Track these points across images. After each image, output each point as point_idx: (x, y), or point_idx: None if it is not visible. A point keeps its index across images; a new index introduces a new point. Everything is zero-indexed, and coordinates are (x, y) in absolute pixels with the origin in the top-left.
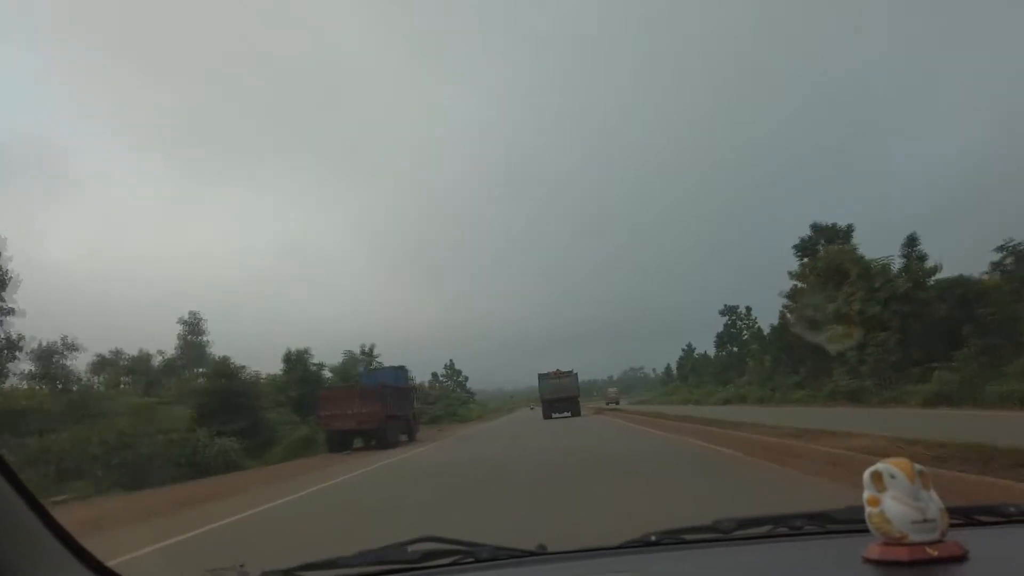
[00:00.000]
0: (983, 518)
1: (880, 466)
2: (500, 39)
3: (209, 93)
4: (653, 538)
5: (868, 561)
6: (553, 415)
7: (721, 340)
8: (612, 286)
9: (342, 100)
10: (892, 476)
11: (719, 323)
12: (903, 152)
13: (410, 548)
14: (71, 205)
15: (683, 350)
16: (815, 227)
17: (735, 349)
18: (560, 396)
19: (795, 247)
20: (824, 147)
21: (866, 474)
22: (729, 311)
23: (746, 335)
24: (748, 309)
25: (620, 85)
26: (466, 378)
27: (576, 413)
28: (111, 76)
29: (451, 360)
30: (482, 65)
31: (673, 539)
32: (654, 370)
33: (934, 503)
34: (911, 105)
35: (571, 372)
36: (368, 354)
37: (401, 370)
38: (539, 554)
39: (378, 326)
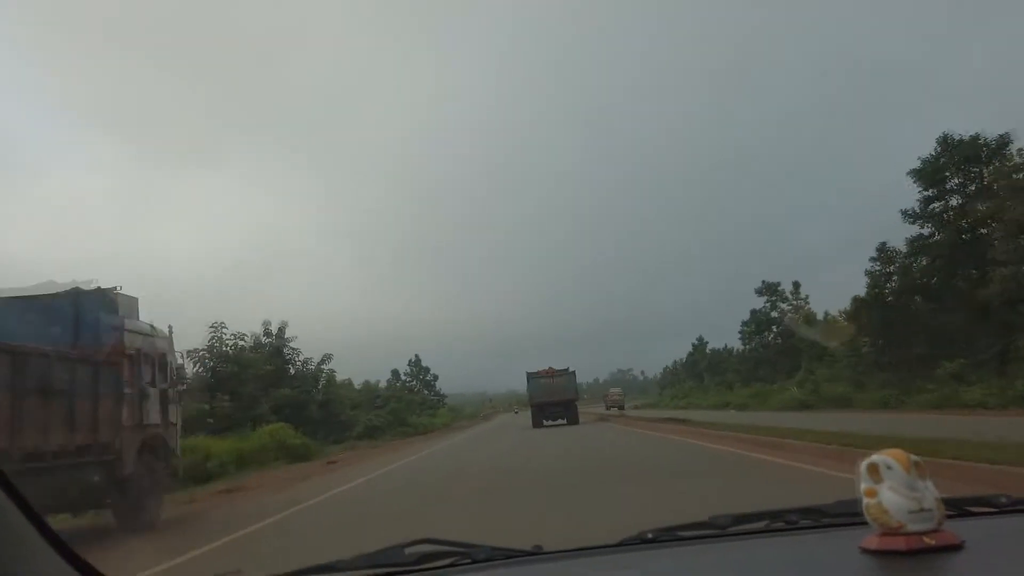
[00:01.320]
0: (976, 509)
1: (876, 458)
2: (495, 27)
3: (173, 73)
4: (650, 535)
5: (866, 551)
6: (545, 422)
7: (753, 328)
8: (600, 288)
9: (324, 87)
10: (888, 467)
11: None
12: (904, 150)
13: (407, 550)
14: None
15: (694, 344)
16: (946, 141)
17: (771, 339)
18: (553, 399)
19: (914, 173)
20: (826, 146)
21: (862, 466)
22: (768, 290)
23: (792, 319)
24: (796, 285)
25: (616, 81)
26: (435, 377)
27: (573, 420)
28: (55, 50)
29: (416, 356)
30: (474, 54)
31: (670, 536)
32: (643, 372)
33: (930, 493)
34: (912, 102)
35: (567, 370)
36: (278, 336)
37: (95, 297)
38: (536, 554)
39: (352, 323)
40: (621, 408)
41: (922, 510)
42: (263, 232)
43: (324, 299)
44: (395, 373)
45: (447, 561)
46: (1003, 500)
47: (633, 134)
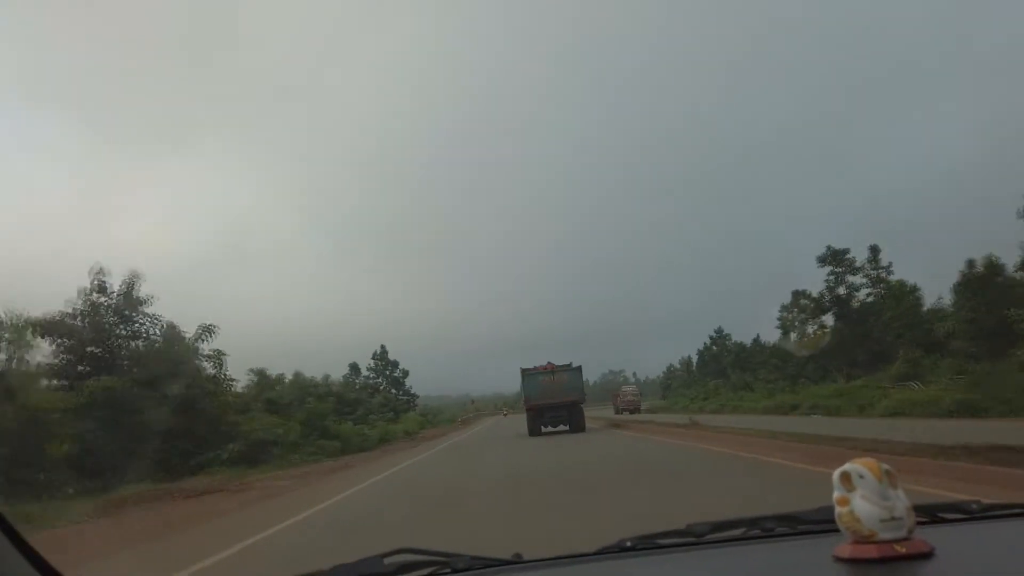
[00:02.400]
0: (947, 516)
1: (848, 467)
2: (492, 23)
3: (129, 44)
4: (629, 543)
5: (839, 559)
6: (544, 428)
7: (797, 314)
8: (592, 289)
9: (300, 68)
10: (861, 476)
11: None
12: (906, 146)
13: (386, 560)
14: None
15: (711, 337)
16: None
17: (828, 324)
18: (554, 401)
19: None
20: (826, 146)
21: (835, 475)
22: (834, 258)
23: (868, 294)
24: (874, 251)
25: (615, 79)
26: (405, 373)
27: (578, 426)
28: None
29: (382, 346)
30: (471, 50)
31: (648, 544)
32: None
33: (901, 501)
34: (912, 102)
35: (569, 366)
36: (126, 296)
37: None
38: (516, 563)
39: (329, 321)
40: (634, 411)
41: (893, 518)
42: (232, 223)
43: (299, 294)
44: (354, 368)
45: (427, 571)
46: (974, 507)
47: (628, 136)
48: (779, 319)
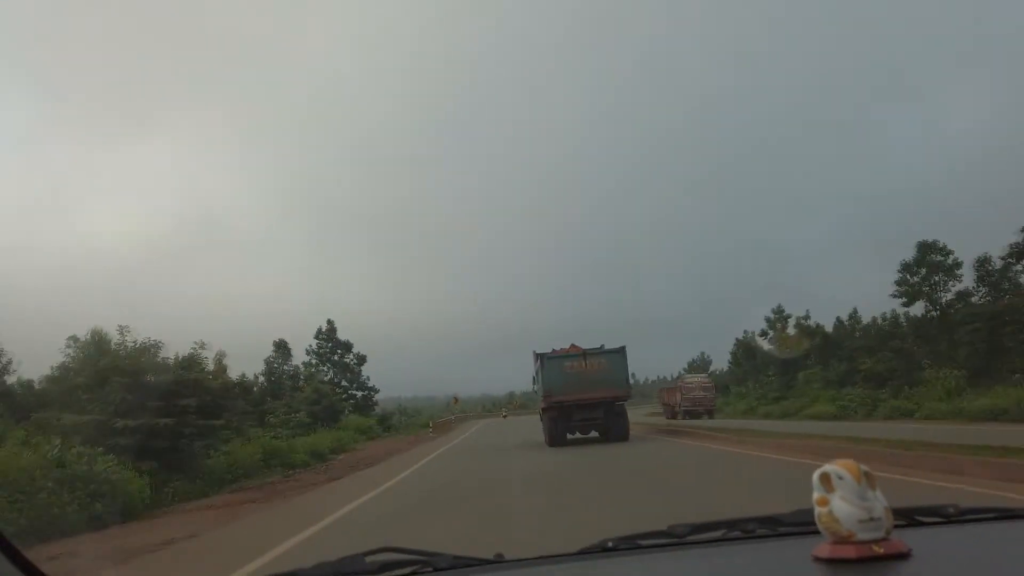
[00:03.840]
0: (925, 518)
1: (828, 468)
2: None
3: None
4: (610, 544)
5: (818, 560)
6: (570, 435)
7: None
8: (588, 290)
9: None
10: (840, 477)
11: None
12: (903, 151)
13: (368, 559)
14: None
15: (768, 319)
16: None
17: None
18: (586, 396)
19: None
20: (832, 150)
21: (815, 476)
22: None
23: None
24: None
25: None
26: (360, 359)
27: (619, 433)
28: None
29: (329, 321)
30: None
31: (629, 544)
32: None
33: (880, 503)
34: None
35: (602, 348)
36: None
37: None
38: (497, 562)
39: (307, 317)
40: (700, 415)
41: (871, 519)
42: (209, 209)
43: (290, 292)
44: (281, 347)
45: (408, 569)
46: (951, 510)
47: (628, 136)
48: (897, 284)
